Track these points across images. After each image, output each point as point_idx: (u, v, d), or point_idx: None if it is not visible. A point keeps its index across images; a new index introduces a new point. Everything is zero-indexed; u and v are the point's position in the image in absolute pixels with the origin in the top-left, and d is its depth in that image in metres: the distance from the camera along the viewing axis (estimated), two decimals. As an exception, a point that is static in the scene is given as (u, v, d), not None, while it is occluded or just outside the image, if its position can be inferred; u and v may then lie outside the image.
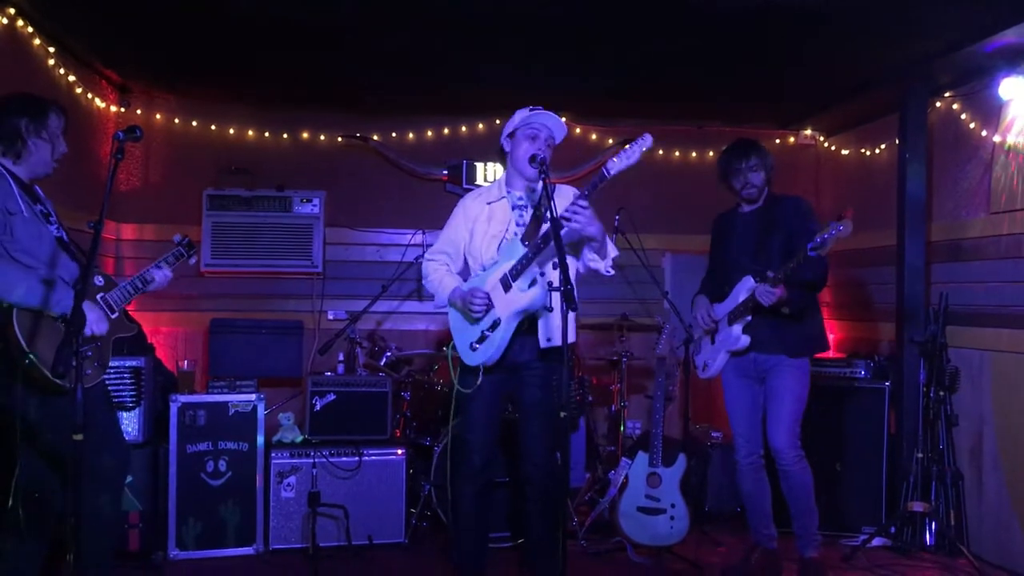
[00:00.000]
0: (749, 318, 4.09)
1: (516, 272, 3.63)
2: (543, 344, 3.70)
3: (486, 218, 3.83)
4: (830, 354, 5.07)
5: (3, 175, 3.13)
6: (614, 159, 3.40)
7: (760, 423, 4.26)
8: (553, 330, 3.67)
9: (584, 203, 3.47)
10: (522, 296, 3.62)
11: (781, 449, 4.11)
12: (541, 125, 3.72)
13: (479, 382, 3.75)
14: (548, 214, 3.30)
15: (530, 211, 3.81)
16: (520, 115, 3.76)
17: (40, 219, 3.21)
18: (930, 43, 4.56)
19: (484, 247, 3.81)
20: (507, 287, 3.67)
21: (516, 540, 4.71)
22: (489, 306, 3.69)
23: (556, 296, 3.24)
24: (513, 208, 3.82)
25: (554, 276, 3.54)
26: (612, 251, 3.76)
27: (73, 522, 2.77)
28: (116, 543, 4.03)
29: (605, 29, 4.48)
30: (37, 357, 2.99)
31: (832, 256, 4.08)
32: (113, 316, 3.33)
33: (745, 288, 4.07)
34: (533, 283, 3.62)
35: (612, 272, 3.76)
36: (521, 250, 3.65)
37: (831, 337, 5.70)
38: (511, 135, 3.79)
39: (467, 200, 3.97)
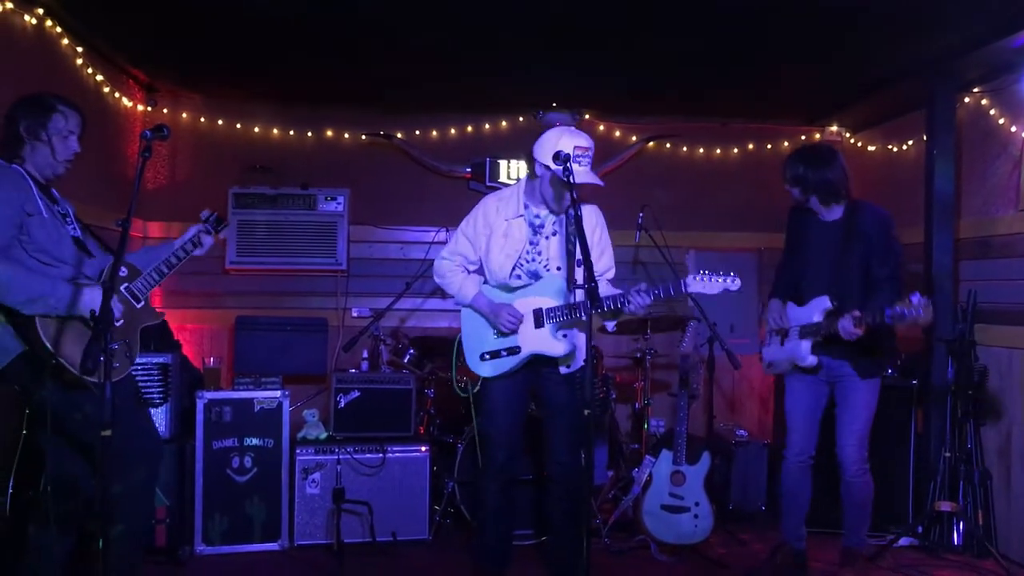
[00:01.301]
0: (819, 338, 4.01)
1: (552, 316, 3.70)
2: (563, 371, 3.78)
3: (503, 233, 3.81)
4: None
5: (24, 177, 3.15)
6: (696, 280, 3.54)
7: (817, 424, 4.18)
8: (573, 359, 3.77)
9: (648, 300, 3.56)
10: (552, 344, 3.72)
11: (849, 461, 4.05)
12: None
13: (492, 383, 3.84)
14: (573, 212, 3.31)
15: (547, 230, 3.80)
16: (557, 141, 3.57)
17: (58, 219, 3.22)
18: (956, 38, 4.52)
19: (498, 265, 3.82)
20: (538, 323, 3.72)
21: (539, 537, 4.70)
22: (517, 329, 3.74)
23: (579, 292, 3.26)
24: (528, 225, 3.81)
25: (579, 278, 3.57)
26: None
27: (102, 516, 2.79)
28: (147, 537, 4.07)
29: (628, 26, 4.47)
30: (62, 357, 3.02)
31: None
32: (139, 305, 3.35)
33: (820, 309, 3.97)
34: (565, 335, 3.73)
35: (613, 330, 4.02)
36: (563, 291, 3.69)
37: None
38: (547, 165, 3.62)
39: (488, 204, 3.90)
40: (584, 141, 3.61)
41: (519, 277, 3.80)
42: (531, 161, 3.74)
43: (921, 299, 3.57)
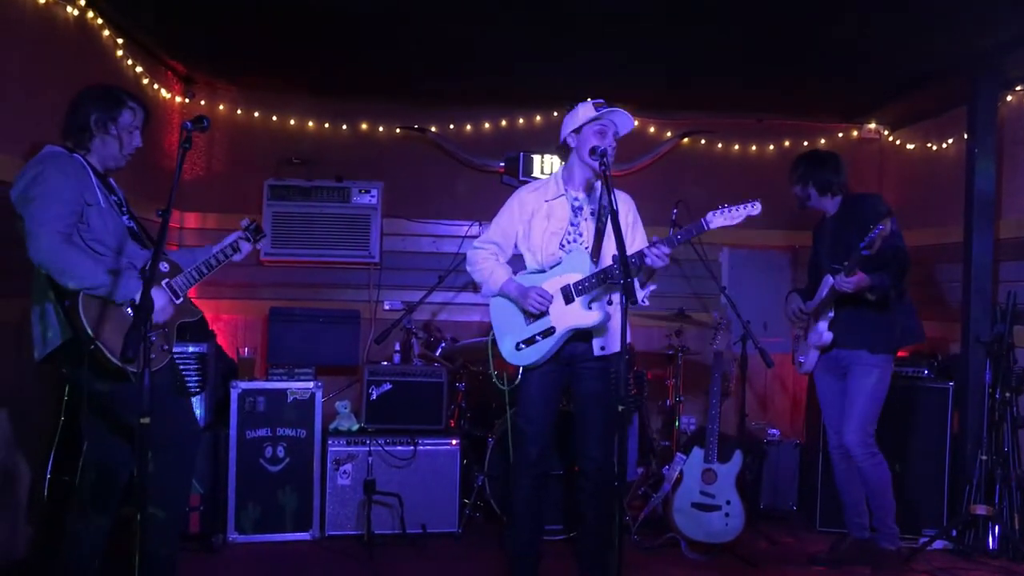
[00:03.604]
0: (832, 314, 4.29)
1: (581, 289, 3.66)
2: (596, 352, 3.75)
3: (545, 214, 3.82)
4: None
5: (84, 167, 3.22)
6: (717, 215, 3.53)
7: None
8: (608, 338, 3.74)
9: (667, 249, 3.54)
10: (584, 315, 3.68)
11: (851, 446, 4.30)
12: (609, 122, 3.68)
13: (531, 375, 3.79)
14: (607, 205, 3.29)
15: (585, 212, 3.80)
16: (585, 110, 3.69)
17: (114, 209, 3.29)
18: (1001, 35, 4.46)
19: (544, 244, 3.79)
20: (568, 299, 3.69)
21: (570, 532, 4.70)
22: (547, 310, 3.71)
23: (603, 260, 3.25)
24: (571, 208, 3.81)
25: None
26: (652, 284, 3.83)
27: (139, 501, 2.82)
28: (182, 525, 4.13)
29: (666, 17, 4.44)
30: (103, 344, 3.06)
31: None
32: (178, 301, 3.40)
33: (826, 285, 4.26)
34: (595, 305, 3.70)
35: (647, 304, 3.77)
36: (588, 264, 3.68)
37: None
38: (577, 131, 3.72)
39: (523, 193, 3.92)
40: (597, 102, 3.72)
41: (560, 260, 3.79)
42: (564, 147, 3.81)
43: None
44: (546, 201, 3.83)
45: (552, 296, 3.70)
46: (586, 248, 3.74)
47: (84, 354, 3.07)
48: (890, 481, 4.34)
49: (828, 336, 4.30)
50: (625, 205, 3.87)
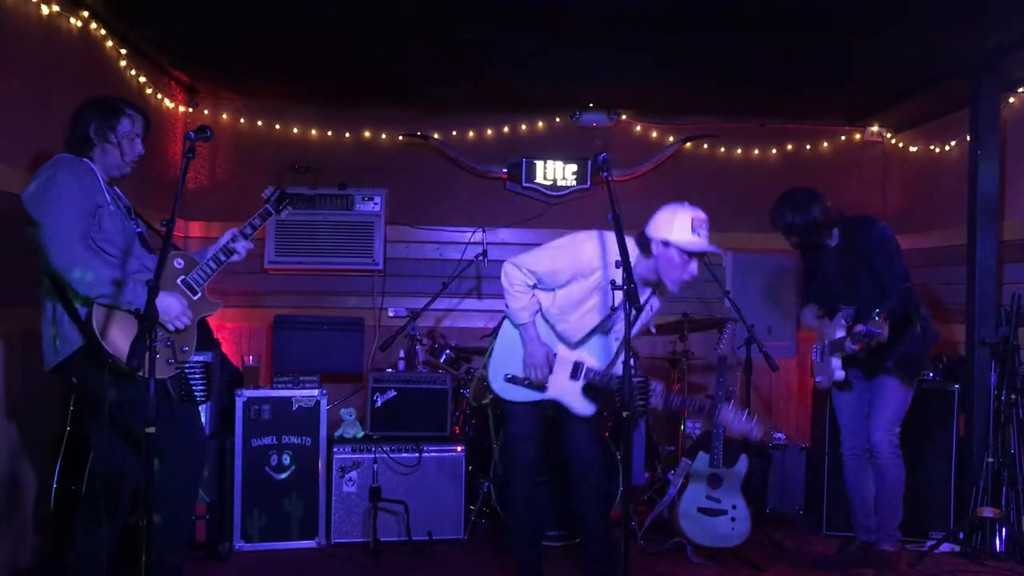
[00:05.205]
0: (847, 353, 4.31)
1: (590, 375, 3.73)
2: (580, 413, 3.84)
3: (587, 286, 3.66)
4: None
5: (93, 171, 3.27)
6: (727, 411, 3.90)
7: (865, 418, 4.45)
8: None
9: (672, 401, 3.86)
10: (577, 401, 3.78)
11: (878, 444, 4.37)
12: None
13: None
14: (612, 213, 3.28)
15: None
16: (682, 226, 3.52)
17: (123, 213, 3.33)
18: (1002, 37, 4.46)
19: (572, 311, 3.72)
20: (574, 375, 3.75)
21: (572, 539, 4.69)
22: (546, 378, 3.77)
23: (618, 295, 3.25)
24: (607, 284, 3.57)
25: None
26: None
27: (146, 510, 2.83)
28: (189, 533, 4.13)
29: (668, 23, 4.44)
30: (112, 351, 3.08)
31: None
32: (195, 297, 3.41)
33: (841, 325, 4.29)
34: (593, 398, 3.80)
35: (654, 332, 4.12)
36: (609, 352, 3.75)
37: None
38: (666, 243, 3.55)
39: (588, 249, 3.65)
40: (701, 213, 3.58)
41: (591, 333, 3.76)
42: (645, 240, 3.63)
43: (879, 319, 3.92)
44: (591, 272, 3.64)
45: (553, 368, 3.77)
46: (617, 335, 3.72)
47: (103, 361, 3.09)
48: (903, 485, 4.39)
49: (840, 375, 4.35)
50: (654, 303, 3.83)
